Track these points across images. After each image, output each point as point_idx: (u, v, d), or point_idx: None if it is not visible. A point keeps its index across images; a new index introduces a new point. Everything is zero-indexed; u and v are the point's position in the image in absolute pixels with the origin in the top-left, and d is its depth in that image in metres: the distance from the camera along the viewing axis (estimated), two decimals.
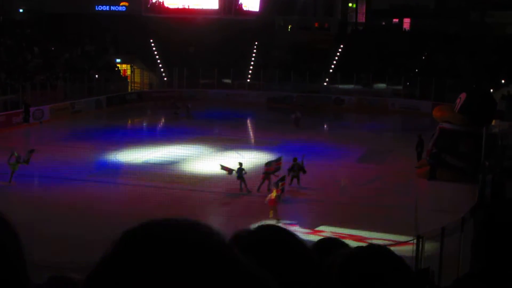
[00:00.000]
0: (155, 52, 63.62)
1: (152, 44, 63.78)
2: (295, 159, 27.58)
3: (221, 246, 1.08)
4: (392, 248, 2.26)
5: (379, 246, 2.01)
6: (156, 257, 1.01)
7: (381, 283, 1.84)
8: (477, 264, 2.43)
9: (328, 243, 2.37)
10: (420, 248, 15.47)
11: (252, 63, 63.45)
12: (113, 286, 1.00)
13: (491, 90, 42.79)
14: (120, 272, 1.01)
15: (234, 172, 26.73)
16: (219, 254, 1.05)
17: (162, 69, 62.96)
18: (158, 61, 63.29)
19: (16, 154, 27.50)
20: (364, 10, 74.99)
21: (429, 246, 16.07)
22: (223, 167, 27.41)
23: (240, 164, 26.80)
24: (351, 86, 58.26)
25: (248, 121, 51.65)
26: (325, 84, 60.11)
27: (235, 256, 1.07)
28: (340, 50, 64.32)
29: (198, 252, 1.03)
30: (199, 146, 36.47)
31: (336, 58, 63.42)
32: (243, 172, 26.44)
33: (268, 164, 26.91)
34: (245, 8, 66.97)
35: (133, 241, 1.05)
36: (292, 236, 1.67)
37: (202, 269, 1.01)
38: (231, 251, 1.08)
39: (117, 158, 33.34)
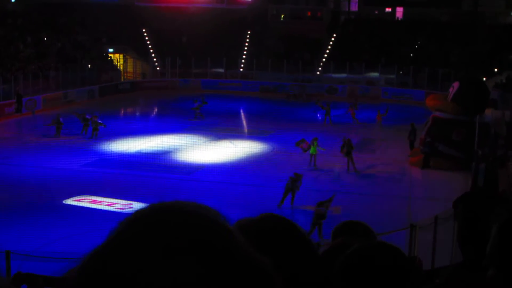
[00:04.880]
0: (148, 42, 63.45)
1: (145, 34, 63.60)
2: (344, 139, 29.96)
3: (227, 230, 1.10)
4: (385, 236, 2.28)
5: (383, 243, 2.04)
6: (162, 238, 1.03)
7: (382, 279, 1.86)
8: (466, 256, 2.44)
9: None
10: (413, 237, 15.53)
11: (244, 52, 63.34)
12: (120, 265, 1.01)
13: (484, 79, 42.82)
14: (127, 252, 1.02)
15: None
16: (225, 237, 1.07)
17: (154, 59, 62.81)
18: (151, 50, 63.14)
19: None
20: None
21: (422, 235, 16.12)
22: (299, 144, 29.60)
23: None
24: (344, 75, 58.26)
25: (241, 110, 51.59)
26: (318, 73, 60.09)
27: (240, 242, 1.09)
28: (333, 39, 64.27)
29: (207, 234, 1.06)
30: (192, 135, 36.43)
31: (329, 47, 63.38)
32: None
33: (320, 204, 21.28)
34: None
35: (141, 222, 1.07)
36: (294, 226, 1.69)
37: (207, 253, 1.03)
38: (237, 236, 1.10)
39: (110, 147, 33.29)
